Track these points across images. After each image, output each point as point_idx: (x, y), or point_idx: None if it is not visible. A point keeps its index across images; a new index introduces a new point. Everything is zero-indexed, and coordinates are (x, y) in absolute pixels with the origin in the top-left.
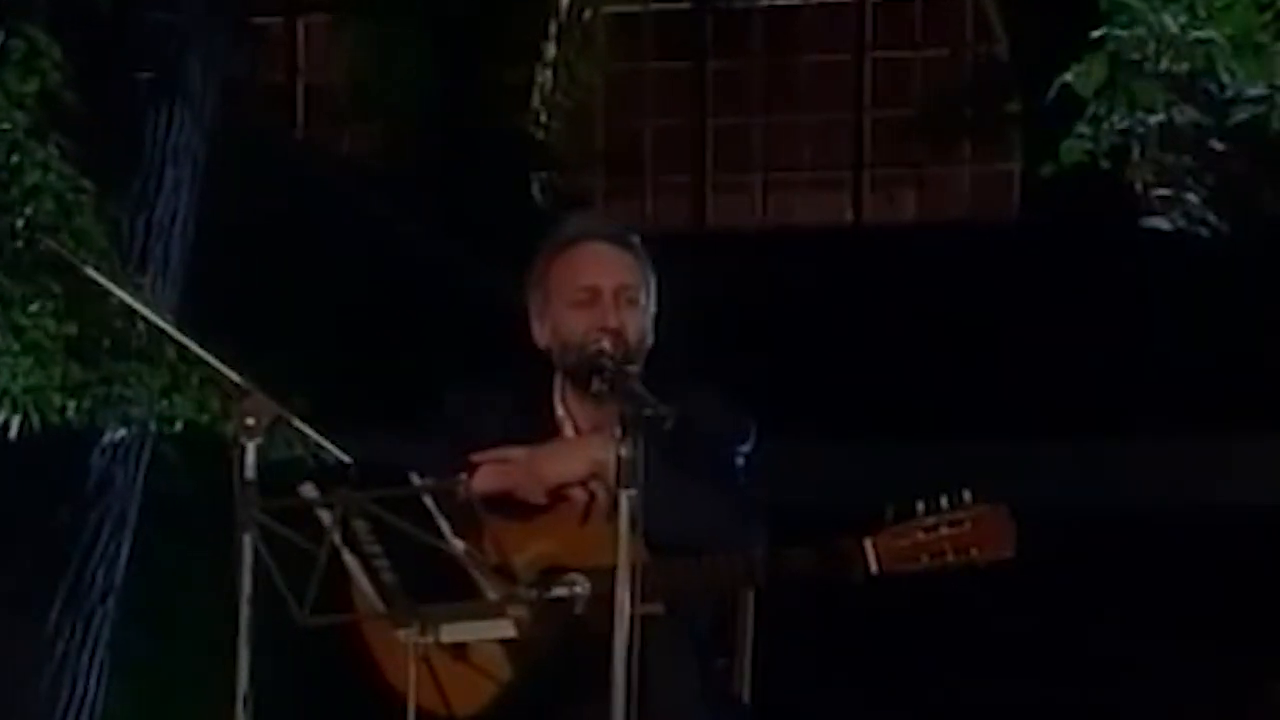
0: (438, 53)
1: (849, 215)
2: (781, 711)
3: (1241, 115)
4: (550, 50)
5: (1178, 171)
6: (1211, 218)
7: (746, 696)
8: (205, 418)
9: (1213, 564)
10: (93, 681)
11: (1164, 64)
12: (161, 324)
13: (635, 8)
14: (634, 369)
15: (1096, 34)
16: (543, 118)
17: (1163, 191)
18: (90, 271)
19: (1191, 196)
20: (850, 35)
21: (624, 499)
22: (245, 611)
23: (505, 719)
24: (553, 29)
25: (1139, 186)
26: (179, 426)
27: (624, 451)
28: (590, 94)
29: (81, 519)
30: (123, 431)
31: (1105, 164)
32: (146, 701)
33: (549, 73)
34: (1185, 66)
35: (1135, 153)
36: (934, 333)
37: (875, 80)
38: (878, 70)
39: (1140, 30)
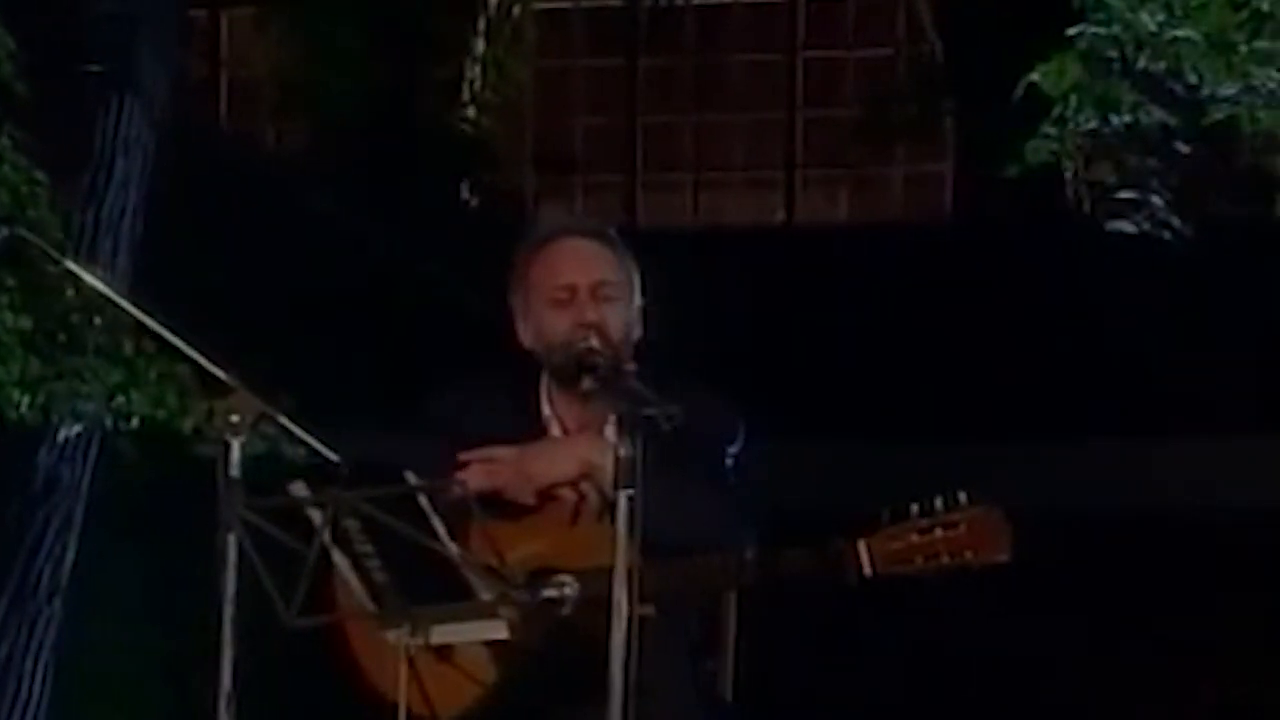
0: (365, 48)
1: (781, 215)
2: (765, 713)
3: (1218, 115)
4: (479, 46)
5: (1143, 173)
6: (1175, 220)
7: (729, 697)
8: (162, 413)
9: (1167, 566)
10: (38, 683)
11: (1141, 63)
12: (144, 318)
13: (565, 4)
14: (631, 367)
15: (1072, 31)
16: (472, 114)
17: (1127, 194)
18: (69, 264)
19: (1156, 199)
20: (782, 35)
21: (623, 499)
22: (228, 611)
23: None
24: (482, 25)
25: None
26: (135, 423)
27: (623, 451)
28: (520, 91)
29: (28, 518)
30: (77, 427)
31: (1069, 164)
32: (91, 703)
33: (478, 69)
34: (1162, 65)
35: (1100, 154)
36: (865, 334)
37: (807, 80)
38: (810, 70)
39: (1116, 29)
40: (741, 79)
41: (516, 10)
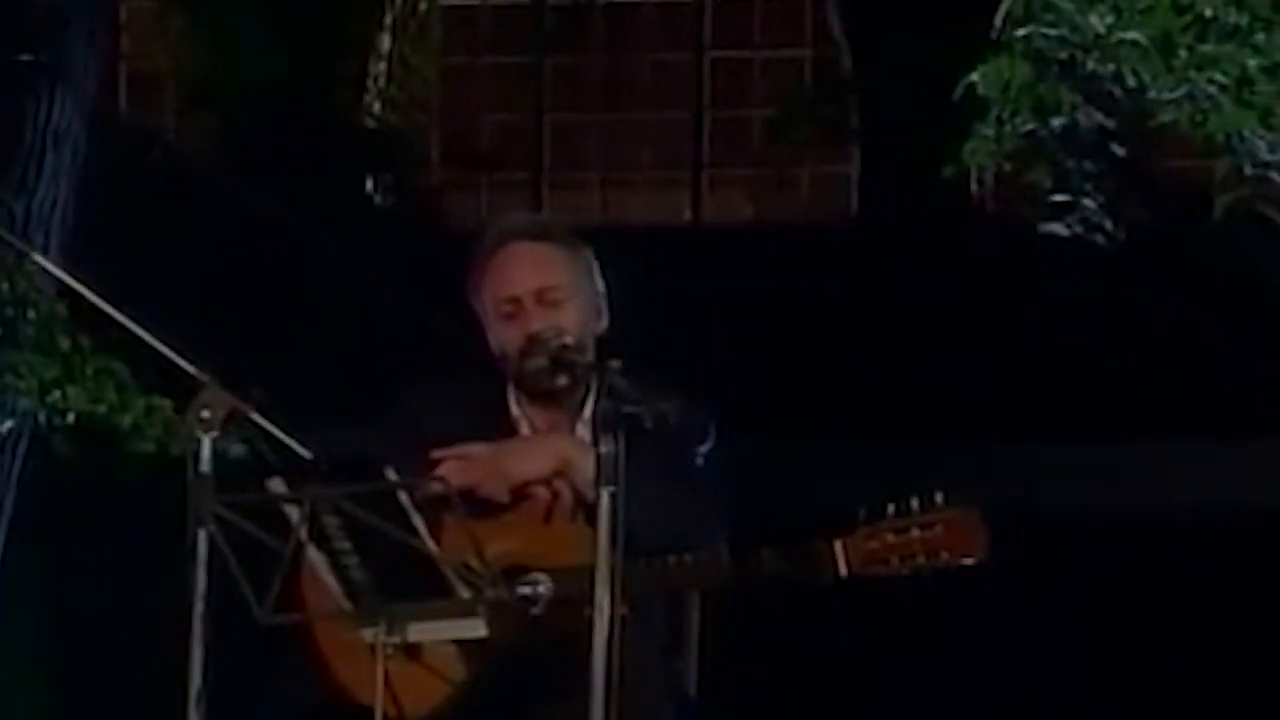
0: (269, 43)
1: (687, 215)
2: (734, 712)
3: (1165, 118)
4: (386, 43)
5: (1077, 176)
6: (1108, 223)
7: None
8: (101, 409)
9: (1075, 569)
10: None
11: (1090, 65)
12: (115, 313)
13: (472, 1)
14: (616, 363)
15: (1022, 32)
16: (377, 110)
17: (1061, 197)
18: (38, 257)
19: (1089, 202)
20: (689, 34)
21: (605, 496)
22: (199, 609)
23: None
24: (388, 21)
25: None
26: (70, 418)
27: (605, 448)
28: (426, 88)
29: None
30: (9, 423)
31: (1008, 167)
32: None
33: (384, 66)
34: (1110, 68)
35: (1035, 156)
36: (770, 334)
37: (714, 80)
38: (717, 70)
39: (1064, 30)
40: (649, 79)
41: (423, 6)
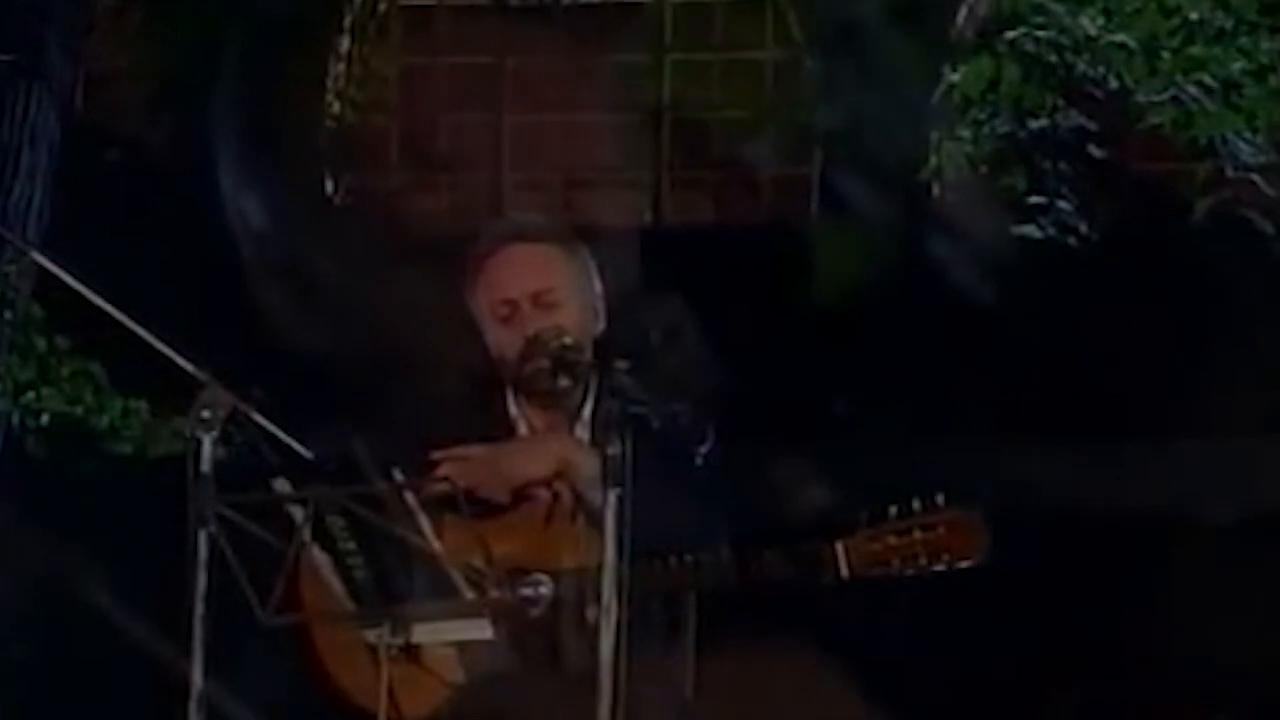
0: (228, 43)
1: (648, 216)
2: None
3: (1155, 119)
4: (345, 43)
5: (1053, 178)
6: (1082, 225)
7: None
8: (78, 410)
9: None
10: None
11: (1080, 67)
12: (116, 313)
13: (432, 0)
14: (623, 364)
15: (1013, 35)
16: (336, 111)
17: (1037, 199)
18: (35, 254)
19: (1063, 204)
20: (650, 36)
21: (613, 497)
22: (199, 610)
23: None
24: (347, 21)
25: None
26: (45, 420)
27: (612, 449)
28: (385, 88)
29: None
30: None
31: (983, 169)
32: None
33: (342, 66)
34: (1101, 70)
35: (1012, 158)
36: (734, 336)
37: (675, 81)
38: (676, 72)
39: (1053, 32)
40: (609, 79)
41: (382, 7)
